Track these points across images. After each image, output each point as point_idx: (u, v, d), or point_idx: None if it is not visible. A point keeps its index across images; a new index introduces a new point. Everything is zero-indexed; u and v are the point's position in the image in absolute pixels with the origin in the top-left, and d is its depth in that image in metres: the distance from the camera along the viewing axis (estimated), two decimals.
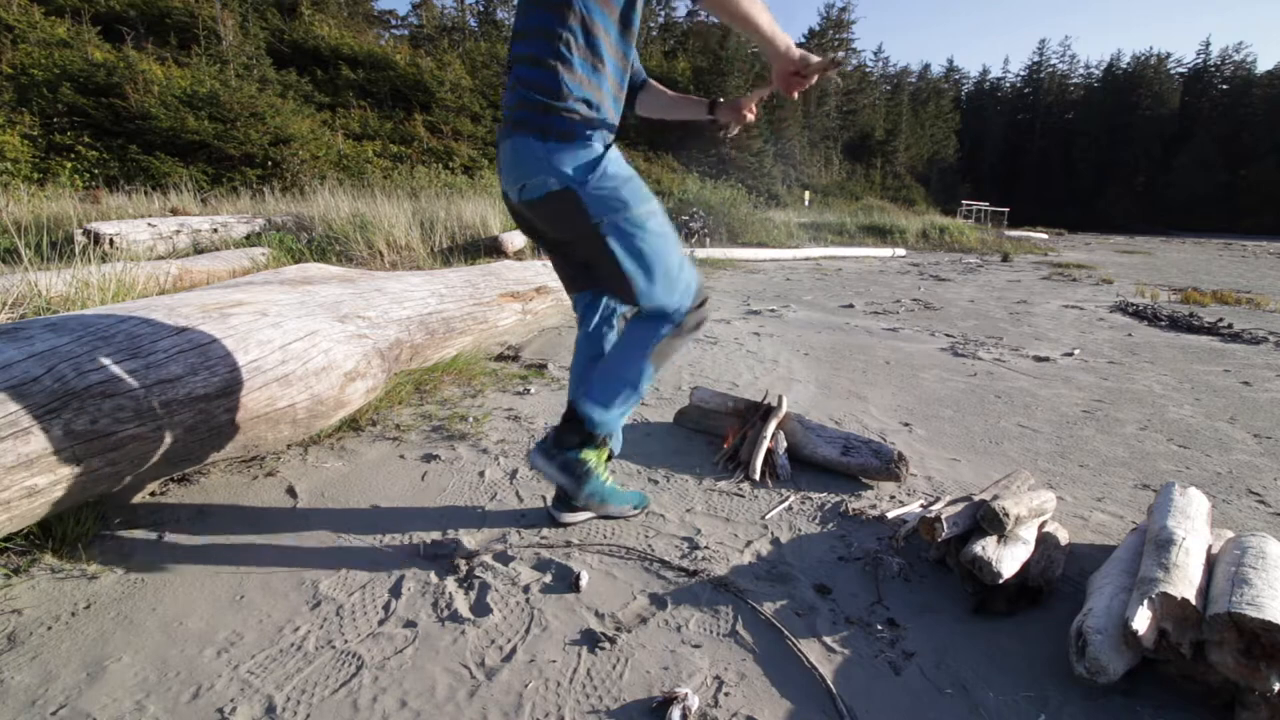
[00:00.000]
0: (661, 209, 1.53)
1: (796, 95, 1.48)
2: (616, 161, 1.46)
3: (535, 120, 1.39)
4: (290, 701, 1.12)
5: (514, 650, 1.27)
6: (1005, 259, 13.89)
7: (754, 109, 1.71)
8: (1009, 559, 1.43)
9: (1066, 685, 1.22)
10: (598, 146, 1.44)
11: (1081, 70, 62.95)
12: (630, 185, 1.46)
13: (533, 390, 2.98)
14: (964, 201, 28.85)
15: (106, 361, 1.47)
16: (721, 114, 1.74)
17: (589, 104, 1.41)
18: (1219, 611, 1.12)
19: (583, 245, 1.50)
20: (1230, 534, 1.52)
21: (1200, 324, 5.58)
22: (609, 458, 1.74)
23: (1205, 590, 1.25)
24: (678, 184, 18.98)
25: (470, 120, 22.60)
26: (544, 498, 1.91)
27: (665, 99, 1.80)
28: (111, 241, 5.72)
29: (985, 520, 1.49)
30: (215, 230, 7.20)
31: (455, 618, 1.36)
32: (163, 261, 4.69)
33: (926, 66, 64.04)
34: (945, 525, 1.51)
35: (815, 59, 1.39)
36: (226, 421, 1.70)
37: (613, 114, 1.49)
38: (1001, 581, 1.40)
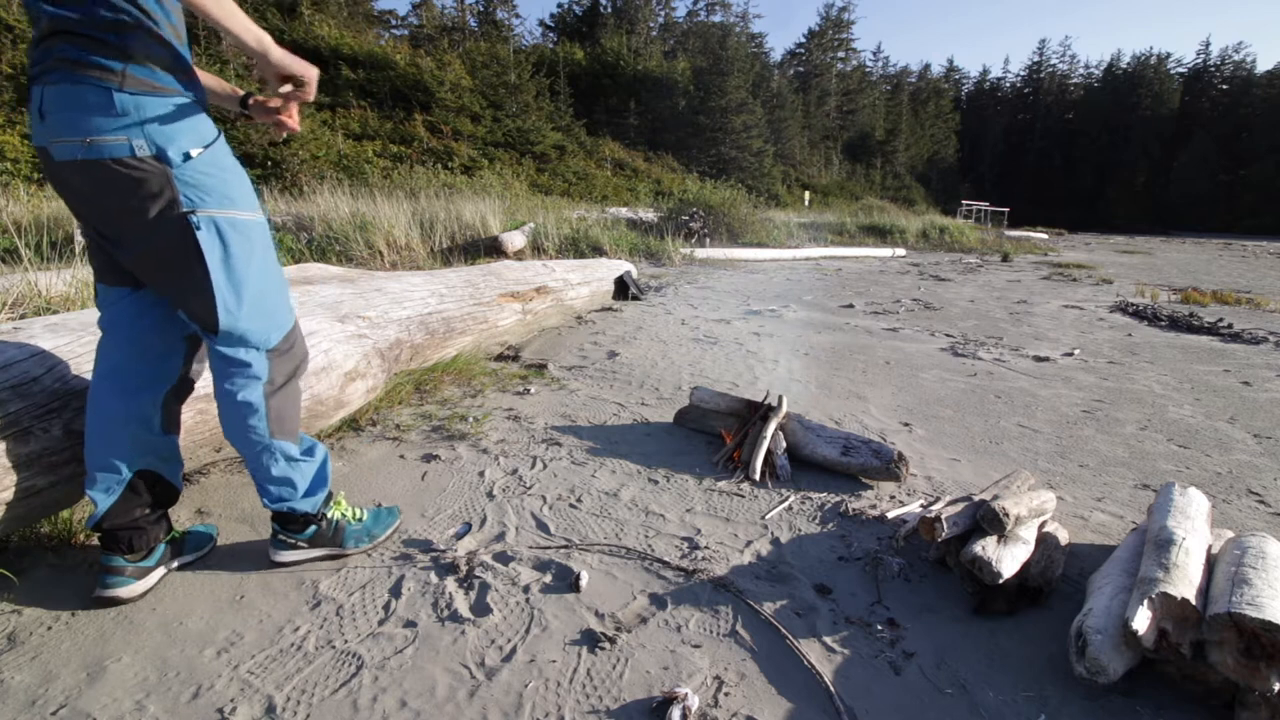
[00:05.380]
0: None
1: (295, 116, 1.35)
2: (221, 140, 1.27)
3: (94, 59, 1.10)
4: (290, 701, 1.12)
5: (514, 650, 1.27)
6: (1005, 259, 13.89)
7: (292, 115, 1.38)
8: (1009, 559, 1.43)
9: (1066, 685, 1.22)
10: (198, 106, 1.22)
11: (1081, 70, 62.98)
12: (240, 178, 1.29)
13: (533, 390, 2.98)
14: (964, 201, 28.86)
15: None
16: (255, 112, 1.44)
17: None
18: (1219, 611, 1.12)
19: (150, 239, 1.20)
20: (1230, 534, 1.52)
21: (1200, 324, 5.58)
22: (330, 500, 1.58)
23: (1205, 590, 1.25)
24: (678, 184, 18.97)
25: (470, 120, 22.62)
26: (543, 497, 1.92)
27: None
28: None
29: (985, 520, 1.49)
30: None
31: (455, 618, 1.36)
32: None
33: (926, 66, 64.11)
34: (945, 525, 1.51)
35: (291, 64, 1.25)
36: None
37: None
38: (1001, 581, 1.40)
